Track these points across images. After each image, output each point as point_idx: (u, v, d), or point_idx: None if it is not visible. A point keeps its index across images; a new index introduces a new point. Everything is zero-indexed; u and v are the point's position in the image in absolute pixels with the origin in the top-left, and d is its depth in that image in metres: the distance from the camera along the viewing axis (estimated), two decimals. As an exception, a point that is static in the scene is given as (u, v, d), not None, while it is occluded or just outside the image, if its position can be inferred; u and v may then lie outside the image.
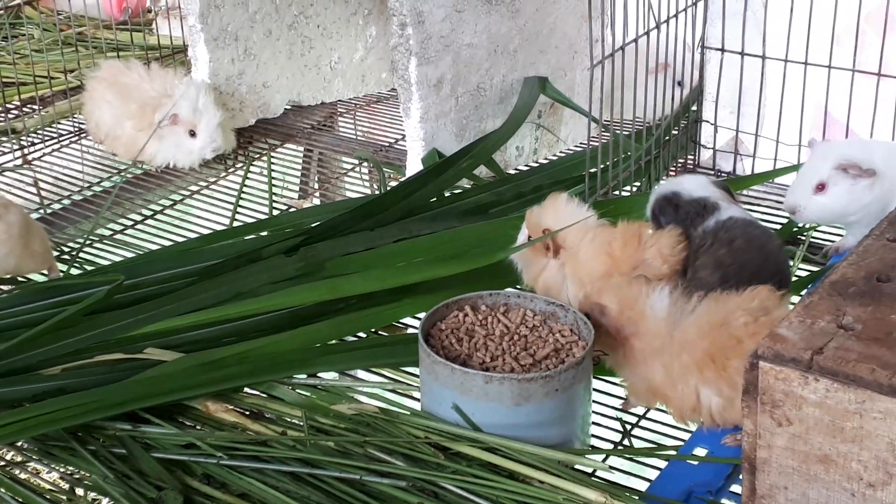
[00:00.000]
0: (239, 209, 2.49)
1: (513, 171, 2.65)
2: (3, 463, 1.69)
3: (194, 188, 2.66)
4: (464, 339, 1.64)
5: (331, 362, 1.80)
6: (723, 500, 1.51)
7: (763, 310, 1.53)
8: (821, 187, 1.97)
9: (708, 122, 2.52)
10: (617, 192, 2.31)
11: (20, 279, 2.13)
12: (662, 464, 1.59)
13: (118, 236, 2.43)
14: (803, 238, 2.19)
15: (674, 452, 1.61)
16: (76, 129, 2.96)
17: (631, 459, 1.66)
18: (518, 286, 1.99)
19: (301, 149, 2.93)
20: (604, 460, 1.56)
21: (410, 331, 1.96)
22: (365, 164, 2.75)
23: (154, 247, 2.32)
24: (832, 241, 2.18)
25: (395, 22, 2.36)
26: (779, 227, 2.24)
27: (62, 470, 1.65)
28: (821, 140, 2.08)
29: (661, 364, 1.57)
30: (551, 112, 2.75)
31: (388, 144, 2.87)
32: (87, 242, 2.32)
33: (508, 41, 2.58)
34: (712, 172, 2.54)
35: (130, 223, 2.50)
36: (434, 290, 1.94)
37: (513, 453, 1.52)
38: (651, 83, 2.31)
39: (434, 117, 2.46)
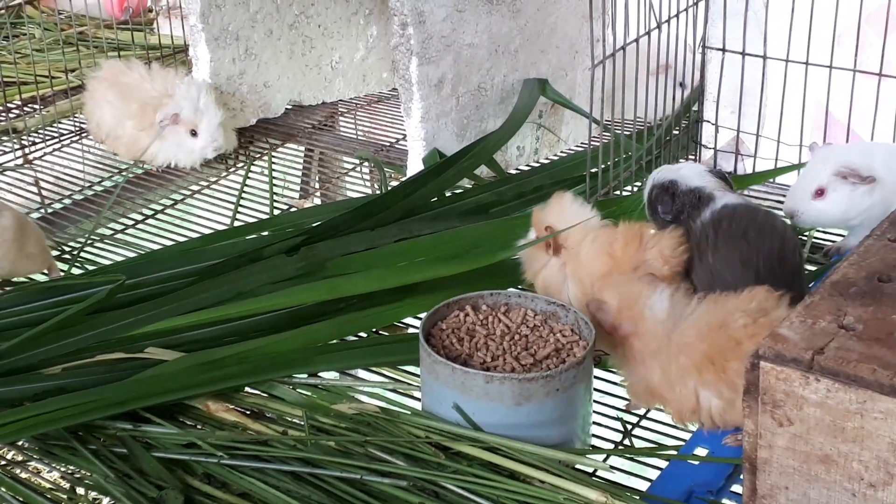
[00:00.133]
0: (240, 209, 2.49)
1: (514, 171, 2.65)
2: (3, 462, 1.69)
3: (195, 188, 2.66)
4: (464, 339, 1.64)
5: (331, 361, 1.80)
6: (724, 501, 1.51)
7: (762, 311, 1.52)
8: (819, 193, 1.98)
9: (709, 122, 2.52)
10: (618, 192, 2.31)
11: (20, 280, 2.13)
12: (663, 464, 1.59)
13: (119, 236, 2.43)
14: (805, 238, 2.19)
15: (675, 452, 1.61)
16: (77, 128, 2.96)
17: (632, 459, 1.66)
18: (519, 286, 1.99)
19: (302, 148, 2.93)
20: (604, 460, 1.57)
21: (411, 330, 1.96)
22: (366, 163, 2.75)
23: (155, 246, 2.32)
24: (833, 241, 2.18)
25: (396, 22, 2.36)
26: (779, 226, 2.23)
27: (63, 469, 1.65)
28: (822, 144, 2.08)
29: (659, 366, 1.57)
30: (552, 112, 2.75)
31: (388, 144, 2.87)
32: (88, 242, 2.32)
33: (509, 41, 2.58)
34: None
35: (131, 223, 2.50)
36: (435, 290, 1.94)
37: (513, 453, 1.52)
38: (652, 84, 2.31)
39: (435, 117, 2.46)
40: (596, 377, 1.69)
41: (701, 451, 1.60)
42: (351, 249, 2.09)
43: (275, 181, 2.58)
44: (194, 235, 2.36)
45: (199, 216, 2.53)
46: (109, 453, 1.62)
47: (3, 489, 1.58)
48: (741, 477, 1.30)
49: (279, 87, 2.96)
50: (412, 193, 2.29)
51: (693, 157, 2.58)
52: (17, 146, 2.85)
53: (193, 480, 1.57)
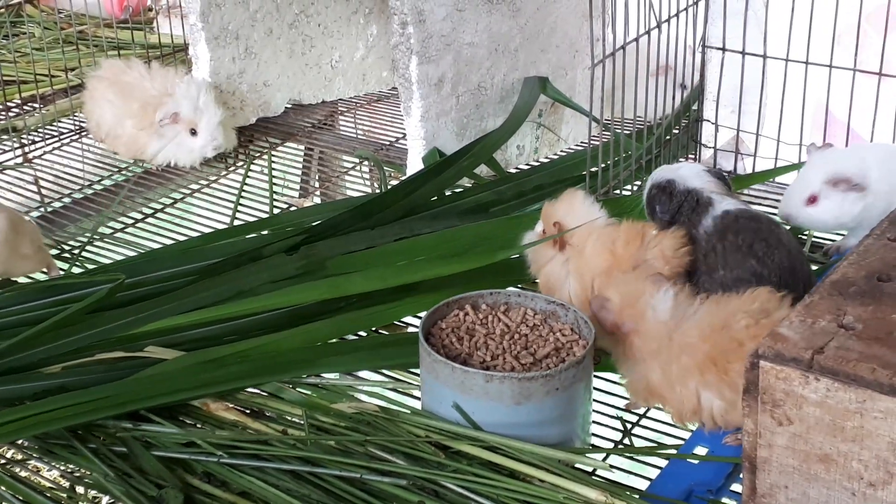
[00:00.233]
0: (240, 208, 2.49)
1: (513, 170, 2.65)
2: (3, 461, 1.69)
3: (195, 187, 2.66)
4: (464, 338, 1.64)
5: (332, 363, 1.79)
6: (723, 500, 1.51)
7: (764, 312, 1.52)
8: (812, 200, 1.99)
9: (709, 121, 2.52)
10: (618, 192, 2.31)
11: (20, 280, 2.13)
12: (663, 463, 1.59)
13: (119, 235, 2.43)
14: (804, 238, 2.19)
15: (674, 451, 1.61)
16: (77, 127, 2.96)
17: (631, 458, 1.66)
18: (519, 285, 1.99)
19: (302, 147, 2.93)
20: (604, 459, 1.57)
21: (411, 330, 1.96)
22: (366, 162, 2.75)
23: (155, 245, 2.32)
24: (833, 241, 2.18)
25: (395, 21, 2.36)
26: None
27: (63, 468, 1.65)
28: (819, 146, 2.08)
29: (659, 365, 1.57)
30: (552, 111, 2.75)
31: (388, 143, 2.88)
32: (89, 241, 2.32)
33: (509, 40, 2.58)
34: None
35: (131, 221, 2.50)
36: (435, 289, 1.94)
37: (513, 452, 1.52)
38: (652, 84, 2.31)
39: (435, 116, 2.46)
40: (595, 376, 1.69)
41: (701, 451, 1.60)
42: (351, 248, 2.09)
43: (275, 180, 2.58)
44: (194, 234, 2.36)
45: (199, 215, 2.53)
46: (109, 452, 1.62)
47: (3, 488, 1.58)
48: (741, 476, 1.31)
49: (279, 86, 2.96)
50: (412, 192, 2.29)
51: (693, 156, 2.58)
52: (16, 145, 2.85)
53: (193, 479, 1.57)
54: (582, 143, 2.84)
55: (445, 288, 1.92)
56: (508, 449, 1.53)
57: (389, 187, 2.44)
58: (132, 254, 2.25)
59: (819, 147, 2.09)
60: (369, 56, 3.19)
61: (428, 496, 1.48)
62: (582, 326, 1.66)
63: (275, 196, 2.52)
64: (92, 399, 1.68)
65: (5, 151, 2.83)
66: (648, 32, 2.27)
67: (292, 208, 2.53)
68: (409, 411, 1.65)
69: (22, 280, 2.14)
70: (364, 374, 1.86)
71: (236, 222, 2.42)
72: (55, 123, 2.99)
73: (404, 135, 2.59)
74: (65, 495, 1.61)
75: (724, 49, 2.41)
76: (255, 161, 2.76)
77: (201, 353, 1.81)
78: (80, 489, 1.62)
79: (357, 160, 2.76)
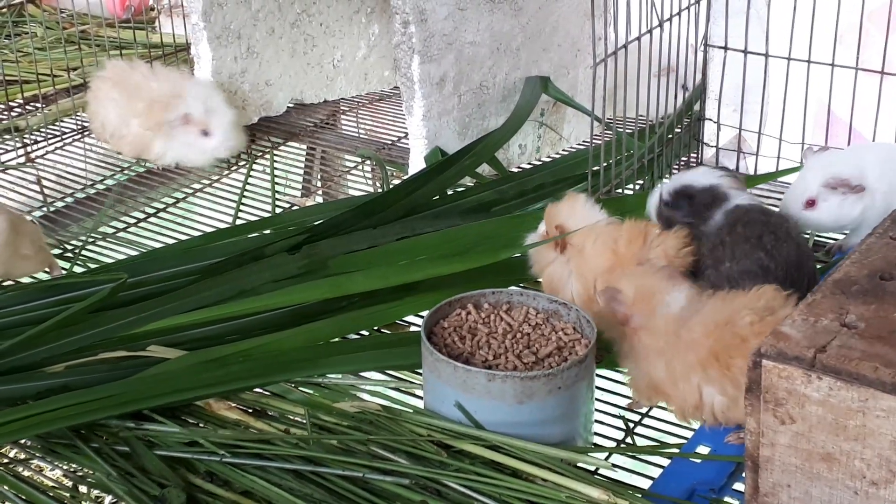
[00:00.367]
0: (242, 207, 2.49)
1: (515, 170, 2.65)
2: (6, 460, 1.69)
3: (197, 186, 2.66)
4: (466, 337, 1.64)
5: (335, 363, 1.79)
6: (726, 498, 1.51)
7: (769, 309, 1.51)
8: (810, 203, 1.99)
9: (711, 120, 2.52)
10: (620, 191, 2.31)
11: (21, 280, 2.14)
12: (665, 462, 1.59)
13: (121, 234, 2.43)
14: (807, 236, 2.19)
15: (677, 450, 1.61)
16: (79, 127, 2.96)
17: (634, 457, 1.66)
18: (521, 284, 1.99)
19: (304, 147, 2.93)
20: (607, 458, 1.57)
21: (413, 329, 1.96)
22: (367, 162, 2.75)
23: (157, 245, 2.32)
24: (835, 240, 2.18)
25: (397, 20, 2.36)
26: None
27: (65, 467, 1.65)
28: (821, 145, 2.09)
29: (664, 362, 1.57)
30: (554, 110, 2.75)
31: (390, 142, 2.88)
32: (91, 240, 2.32)
33: (511, 39, 2.58)
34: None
35: (133, 221, 2.50)
36: (437, 289, 1.94)
37: (516, 451, 1.52)
38: (655, 84, 2.31)
39: (437, 115, 2.46)
40: (598, 375, 1.69)
41: (703, 450, 1.59)
42: (353, 248, 2.09)
43: (277, 179, 2.58)
44: (196, 234, 2.36)
45: (201, 214, 2.53)
46: (112, 451, 1.62)
47: (6, 487, 1.58)
48: (743, 475, 1.31)
49: (281, 86, 2.96)
50: (414, 192, 2.29)
51: (695, 156, 2.58)
52: (19, 145, 2.85)
53: (195, 479, 1.57)
54: (584, 142, 2.84)
55: (447, 287, 1.92)
56: (511, 448, 1.53)
57: (391, 186, 2.44)
58: (134, 253, 2.26)
59: (816, 150, 2.09)
60: (371, 55, 3.19)
61: (430, 495, 1.49)
62: (584, 325, 1.66)
63: (277, 195, 2.52)
64: (94, 398, 1.68)
65: (8, 151, 2.83)
66: (650, 31, 2.27)
67: (294, 208, 2.53)
68: (411, 410, 1.65)
69: (24, 279, 2.14)
70: (366, 373, 1.86)
71: (238, 222, 2.42)
72: (57, 123, 2.99)
73: (406, 134, 2.59)
74: (67, 495, 1.61)
75: (726, 48, 2.41)
76: (258, 160, 2.76)
77: (203, 353, 1.82)
78: (82, 488, 1.62)
79: (359, 159, 2.76)
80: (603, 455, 1.58)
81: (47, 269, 2.15)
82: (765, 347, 1.22)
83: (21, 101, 3.05)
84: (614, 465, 1.56)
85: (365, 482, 1.52)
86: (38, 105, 3.00)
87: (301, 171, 2.94)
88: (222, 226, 2.41)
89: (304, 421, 1.64)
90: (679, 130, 2.56)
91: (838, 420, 1.17)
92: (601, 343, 1.67)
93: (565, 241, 1.79)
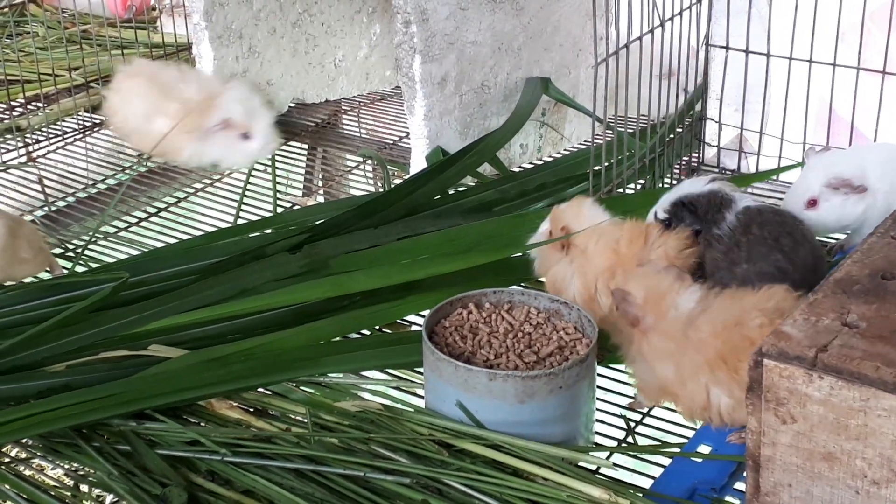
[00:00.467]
0: (243, 207, 2.49)
1: (517, 169, 2.65)
2: (8, 460, 1.69)
3: (199, 185, 2.66)
4: (468, 337, 1.64)
5: (336, 362, 1.79)
6: (727, 498, 1.51)
7: (779, 311, 1.49)
8: (812, 203, 1.99)
9: (712, 119, 2.52)
10: (621, 190, 2.31)
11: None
12: (666, 461, 1.59)
13: (123, 233, 2.43)
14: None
15: (678, 450, 1.61)
16: (80, 126, 2.96)
17: (635, 457, 1.66)
18: (522, 283, 1.99)
19: (305, 146, 2.93)
20: (608, 457, 1.57)
21: (414, 328, 1.96)
22: (369, 161, 2.75)
23: (159, 244, 2.33)
24: (836, 239, 2.18)
25: (399, 20, 2.36)
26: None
27: (67, 466, 1.65)
28: (823, 145, 2.09)
29: (673, 363, 1.55)
30: (555, 110, 2.75)
31: (392, 142, 2.88)
32: (92, 240, 2.32)
33: (513, 39, 2.58)
34: (716, 170, 2.54)
35: (135, 220, 2.50)
36: (438, 288, 1.94)
37: (517, 450, 1.52)
38: (656, 86, 2.31)
39: (438, 115, 2.46)
40: (599, 375, 1.69)
41: (704, 449, 1.59)
42: (354, 247, 2.09)
43: (278, 179, 2.58)
44: (198, 233, 2.36)
45: (203, 214, 2.53)
46: (113, 450, 1.62)
47: (8, 486, 1.59)
48: (744, 474, 1.30)
49: (282, 85, 2.96)
50: (415, 191, 2.29)
51: (696, 155, 2.58)
52: (20, 144, 2.85)
53: (197, 478, 1.57)
54: (585, 141, 2.84)
55: (449, 286, 1.92)
56: (512, 447, 1.53)
57: (393, 186, 2.44)
58: (136, 252, 2.26)
59: (818, 150, 2.09)
60: (373, 55, 3.19)
61: (431, 494, 1.49)
62: (585, 325, 1.66)
63: (278, 195, 2.52)
64: (96, 398, 1.68)
65: (9, 151, 2.83)
66: (652, 31, 2.27)
67: (296, 207, 2.53)
68: (412, 410, 1.65)
69: (26, 279, 2.14)
70: (368, 372, 1.86)
71: (240, 221, 2.42)
72: (59, 123, 2.99)
73: (407, 133, 2.59)
74: (69, 494, 1.61)
75: (727, 47, 2.41)
76: (259, 160, 2.76)
77: (205, 352, 1.82)
78: (84, 487, 1.62)
79: (360, 159, 2.76)
80: (604, 454, 1.58)
81: (48, 269, 2.15)
82: (766, 347, 1.22)
83: (23, 101, 3.05)
84: (615, 465, 1.56)
85: (366, 481, 1.52)
86: (40, 104, 3.00)
87: (302, 171, 2.93)
88: (224, 225, 2.41)
89: (306, 420, 1.64)
90: (680, 130, 2.56)
91: (839, 419, 1.17)
92: (602, 343, 1.67)
93: (569, 241, 1.79)
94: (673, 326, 1.55)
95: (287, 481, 1.54)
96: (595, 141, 2.20)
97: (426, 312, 1.69)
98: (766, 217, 1.76)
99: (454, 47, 2.44)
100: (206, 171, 2.70)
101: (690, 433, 1.65)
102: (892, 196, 1.97)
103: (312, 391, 1.75)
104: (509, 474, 1.50)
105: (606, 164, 2.24)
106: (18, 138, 2.87)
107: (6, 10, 3.45)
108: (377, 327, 1.94)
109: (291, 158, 2.87)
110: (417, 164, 2.48)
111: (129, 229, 2.46)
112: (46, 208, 2.56)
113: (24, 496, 1.57)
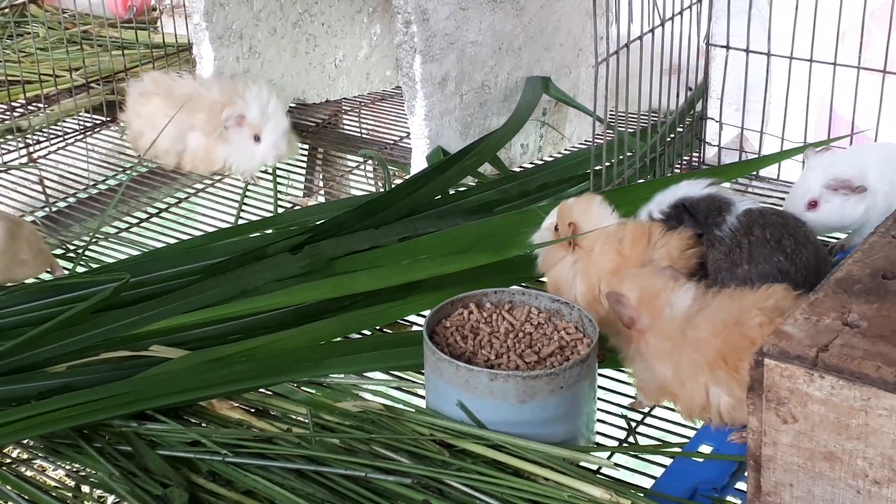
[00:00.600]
0: (244, 207, 2.49)
1: (517, 169, 2.65)
2: (9, 460, 1.69)
3: (199, 186, 2.66)
4: (468, 337, 1.64)
5: (337, 363, 1.79)
6: (728, 498, 1.51)
7: (778, 310, 1.49)
8: (812, 205, 1.99)
9: (713, 119, 2.52)
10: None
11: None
12: (667, 461, 1.59)
13: (124, 234, 2.43)
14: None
15: (679, 450, 1.61)
16: (81, 126, 2.96)
17: (636, 457, 1.66)
18: (523, 283, 1.99)
19: (306, 147, 2.93)
20: (609, 457, 1.57)
21: (415, 328, 1.96)
22: (369, 161, 2.75)
23: (159, 245, 2.33)
24: (837, 239, 2.18)
25: (399, 20, 2.36)
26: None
27: (68, 467, 1.65)
28: (818, 150, 2.08)
29: (671, 362, 1.56)
30: (556, 109, 2.75)
31: (392, 142, 2.88)
32: (93, 240, 2.32)
33: (513, 39, 2.58)
34: (716, 167, 2.54)
35: (136, 221, 2.50)
36: (439, 288, 1.94)
37: (518, 450, 1.52)
38: (656, 82, 2.31)
39: (439, 115, 2.46)
40: (600, 375, 1.69)
41: (705, 449, 1.59)
42: (355, 247, 2.09)
43: (279, 179, 2.58)
44: (198, 234, 2.36)
45: (204, 214, 2.53)
46: (114, 451, 1.62)
47: (9, 487, 1.59)
48: (745, 474, 1.30)
49: (283, 86, 2.96)
50: (416, 191, 2.29)
51: (697, 155, 2.58)
52: (21, 145, 2.85)
53: (198, 478, 1.57)
54: (586, 141, 2.84)
55: (449, 286, 1.92)
56: (513, 447, 1.53)
57: (393, 186, 2.44)
58: (137, 253, 2.26)
59: (818, 151, 2.09)
60: (373, 55, 3.19)
61: (432, 495, 1.49)
62: (586, 325, 1.65)
63: (279, 195, 2.52)
64: (97, 398, 1.68)
65: (10, 151, 2.83)
66: (652, 30, 2.27)
67: (296, 207, 2.53)
68: (413, 410, 1.65)
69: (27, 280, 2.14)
70: (369, 372, 1.86)
71: (240, 221, 2.42)
72: (60, 123, 2.99)
73: (408, 134, 2.59)
74: (70, 494, 1.61)
75: (728, 47, 2.41)
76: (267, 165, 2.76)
77: (206, 352, 1.82)
78: (85, 488, 1.62)
79: (361, 159, 2.76)
80: (605, 454, 1.58)
81: (49, 270, 2.15)
82: (767, 346, 1.22)
83: (23, 102, 3.05)
84: (616, 465, 1.56)
85: (367, 481, 1.52)
86: (41, 105, 3.01)
87: (303, 171, 2.93)
88: (224, 225, 2.41)
89: (307, 420, 1.64)
90: (681, 130, 2.56)
91: (840, 419, 1.17)
92: (603, 343, 1.67)
93: (577, 240, 1.78)
94: (669, 326, 1.56)
95: (288, 482, 1.54)
96: (596, 140, 2.20)
97: (427, 312, 1.69)
98: (768, 219, 1.76)
99: (454, 47, 2.44)
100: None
101: (691, 433, 1.65)
102: (892, 196, 1.97)
103: (313, 392, 1.75)
104: (510, 474, 1.50)
105: (607, 163, 2.24)
106: (19, 139, 2.87)
107: (7, 10, 3.45)
108: (378, 328, 1.94)
109: (292, 159, 2.87)
110: (418, 164, 2.48)
111: (130, 230, 2.46)
112: (47, 209, 2.56)
113: (26, 497, 1.57)
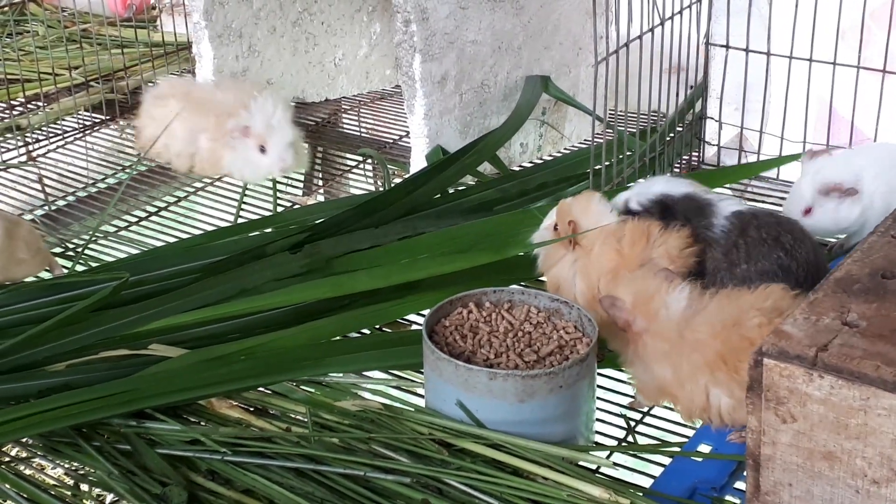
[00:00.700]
0: (243, 206, 2.49)
1: (517, 168, 2.65)
2: (8, 459, 1.69)
3: (199, 185, 2.66)
4: (468, 336, 1.64)
5: (336, 362, 1.79)
6: (727, 497, 1.51)
7: (777, 310, 1.49)
8: (807, 211, 2.00)
9: (713, 118, 2.52)
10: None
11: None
12: (667, 460, 1.59)
13: (123, 233, 2.43)
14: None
15: (678, 449, 1.61)
16: (80, 125, 2.96)
17: (635, 456, 1.66)
18: (522, 283, 1.99)
19: (305, 146, 2.93)
20: (608, 457, 1.57)
21: (415, 327, 1.96)
22: (369, 160, 2.75)
23: (159, 243, 2.32)
24: (837, 239, 2.18)
25: (399, 19, 2.36)
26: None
27: (67, 466, 1.65)
28: (813, 153, 2.08)
29: (670, 363, 1.55)
30: (555, 109, 2.74)
31: (392, 141, 2.88)
32: (93, 239, 2.32)
33: (513, 38, 2.57)
34: (716, 169, 2.54)
35: (135, 220, 2.50)
36: (438, 287, 1.94)
37: (517, 450, 1.52)
38: (656, 82, 2.31)
39: (438, 114, 2.46)
40: (599, 374, 1.69)
41: (704, 448, 1.60)
42: (354, 247, 2.09)
43: (278, 178, 2.58)
44: (198, 232, 2.36)
45: (203, 213, 2.53)
46: (113, 450, 1.62)
47: (8, 486, 1.59)
48: (745, 474, 1.30)
49: (282, 85, 2.96)
50: (415, 190, 2.29)
51: (696, 154, 2.58)
52: (20, 143, 2.85)
53: (197, 477, 1.57)
54: (586, 140, 2.83)
55: (449, 286, 1.92)
56: (512, 447, 1.53)
57: (393, 185, 2.44)
58: (136, 252, 2.26)
59: (813, 154, 2.09)
60: (373, 54, 3.19)
61: (431, 494, 1.49)
62: (586, 324, 1.65)
63: (278, 194, 2.52)
64: (96, 397, 1.68)
65: (9, 150, 2.83)
66: (652, 30, 2.27)
67: (296, 206, 2.53)
68: (412, 409, 1.65)
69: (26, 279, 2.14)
70: (368, 372, 1.86)
71: (240, 220, 2.42)
72: (59, 122, 2.99)
73: (408, 133, 2.59)
74: (69, 493, 1.61)
75: (727, 46, 2.41)
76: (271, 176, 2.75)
77: (205, 351, 1.82)
78: (84, 487, 1.62)
79: (360, 158, 2.76)
80: (604, 454, 1.58)
81: (48, 269, 2.15)
82: (766, 346, 1.22)
83: (23, 100, 3.05)
84: (616, 464, 1.56)
85: (366, 481, 1.52)
86: (40, 103, 3.00)
87: (302, 170, 2.93)
88: (224, 224, 2.41)
89: (306, 419, 1.64)
90: (681, 129, 2.56)
91: (839, 419, 1.17)
92: (602, 342, 1.67)
93: (577, 238, 1.78)
94: (666, 328, 1.55)
95: (287, 481, 1.54)
96: (595, 140, 2.20)
97: (426, 312, 1.69)
98: (760, 219, 1.77)
99: (454, 46, 2.44)
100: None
101: (691, 432, 1.65)
102: (891, 196, 1.97)
103: (313, 390, 1.75)
104: (509, 473, 1.50)
105: (607, 162, 2.24)
106: (18, 137, 2.87)
107: (6, 9, 3.45)
108: (377, 327, 1.94)
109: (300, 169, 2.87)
110: (417, 163, 2.48)
111: (130, 228, 2.46)
112: (46, 207, 2.56)
113: (25, 495, 1.57)
